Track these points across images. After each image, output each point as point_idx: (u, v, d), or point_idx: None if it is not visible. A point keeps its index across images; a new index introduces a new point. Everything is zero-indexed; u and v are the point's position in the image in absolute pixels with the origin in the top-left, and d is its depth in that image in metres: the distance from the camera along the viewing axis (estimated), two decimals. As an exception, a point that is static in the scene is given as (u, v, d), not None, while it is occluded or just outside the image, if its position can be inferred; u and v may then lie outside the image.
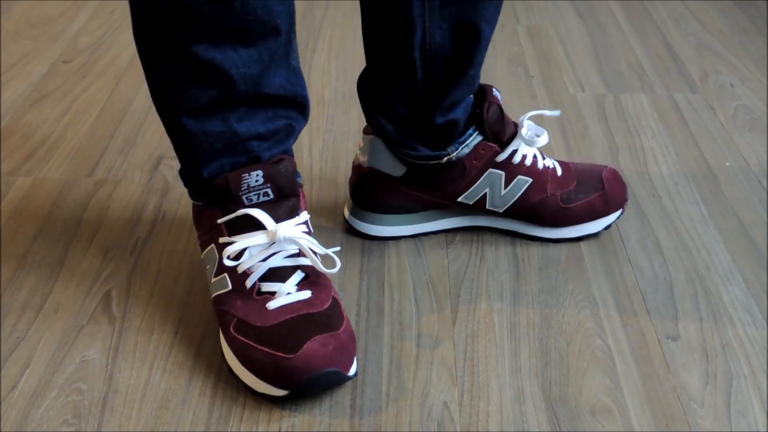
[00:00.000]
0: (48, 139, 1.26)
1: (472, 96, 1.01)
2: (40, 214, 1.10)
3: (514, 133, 1.01)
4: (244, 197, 0.86)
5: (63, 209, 1.11)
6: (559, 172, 1.04)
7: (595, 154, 1.23)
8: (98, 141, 1.26)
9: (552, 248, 1.04)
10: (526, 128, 1.01)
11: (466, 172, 1.01)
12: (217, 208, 0.89)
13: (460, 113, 0.98)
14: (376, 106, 1.00)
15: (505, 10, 1.70)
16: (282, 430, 0.81)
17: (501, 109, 1.00)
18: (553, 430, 0.81)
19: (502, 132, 1.00)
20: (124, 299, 0.96)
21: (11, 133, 1.27)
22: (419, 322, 0.93)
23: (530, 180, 1.02)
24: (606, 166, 1.08)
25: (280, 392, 0.81)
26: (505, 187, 1.01)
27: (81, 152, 1.23)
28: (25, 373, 0.87)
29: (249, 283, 0.86)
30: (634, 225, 1.09)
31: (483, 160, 1.00)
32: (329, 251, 0.87)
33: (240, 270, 0.86)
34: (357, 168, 1.05)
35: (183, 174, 0.94)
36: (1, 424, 0.81)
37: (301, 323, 0.83)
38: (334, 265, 0.87)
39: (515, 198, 1.02)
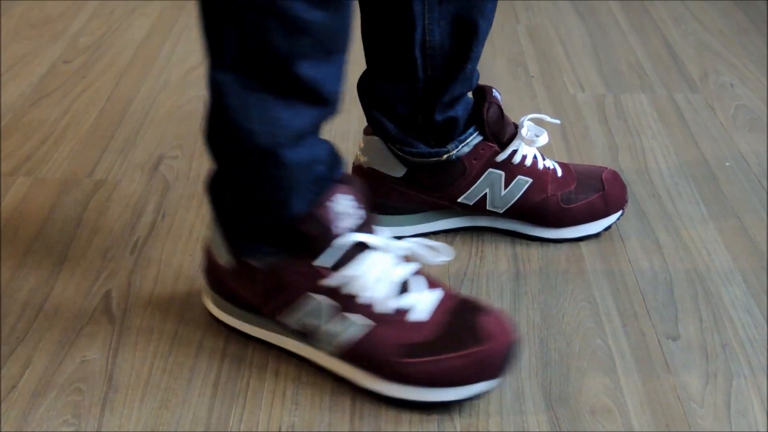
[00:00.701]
0: (48, 139, 1.26)
1: (471, 95, 1.01)
2: (40, 214, 1.10)
3: (514, 133, 1.01)
4: (340, 226, 0.80)
5: (63, 209, 1.11)
6: (560, 172, 1.04)
7: (595, 155, 1.23)
8: (98, 141, 1.26)
9: (552, 248, 1.04)
10: (526, 128, 1.01)
11: (466, 172, 1.00)
12: (301, 255, 0.80)
13: (459, 111, 0.98)
14: (377, 105, 0.99)
15: (505, 10, 1.70)
16: (282, 430, 0.81)
17: (501, 110, 1.00)
18: (553, 430, 0.81)
19: (502, 132, 1.00)
20: (124, 299, 0.96)
21: (11, 133, 1.27)
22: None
23: (530, 180, 1.01)
24: (606, 168, 1.08)
25: (488, 385, 0.81)
26: (505, 188, 1.01)
27: (81, 152, 1.23)
28: (25, 373, 0.87)
29: (390, 307, 0.81)
30: (634, 225, 1.09)
31: (483, 160, 1.00)
32: (437, 243, 0.83)
33: (381, 298, 0.81)
34: (357, 168, 1.05)
35: (248, 227, 0.83)
36: (1, 424, 0.81)
37: (459, 316, 0.82)
38: (447, 254, 0.82)
39: (515, 198, 1.02)
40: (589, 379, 0.87)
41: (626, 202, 1.06)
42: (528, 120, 1.02)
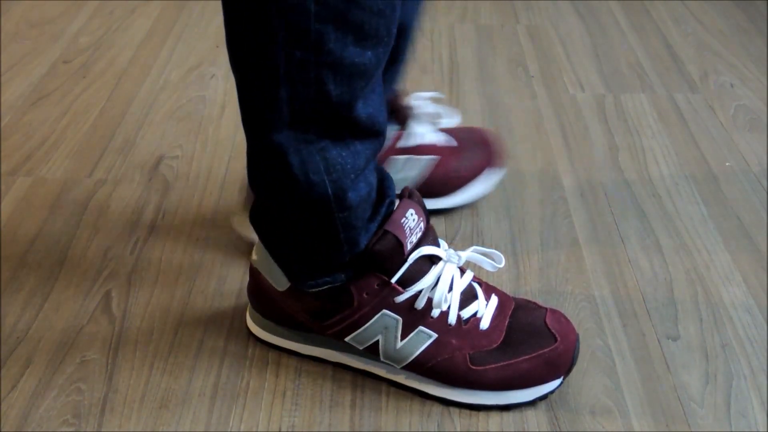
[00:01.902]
0: (48, 139, 1.26)
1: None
2: (40, 214, 1.10)
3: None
4: (409, 241, 0.79)
5: (63, 209, 1.11)
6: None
7: (595, 154, 1.23)
8: (98, 141, 1.26)
9: (552, 248, 1.04)
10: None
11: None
12: (373, 274, 0.79)
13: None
14: None
15: (505, 10, 1.70)
16: (282, 430, 0.81)
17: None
18: (553, 430, 0.81)
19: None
20: (124, 299, 0.96)
21: (11, 133, 1.27)
22: (419, 322, 0.93)
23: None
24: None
25: (558, 382, 0.83)
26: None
27: (81, 152, 1.23)
28: (25, 373, 0.87)
29: (453, 318, 0.81)
30: (634, 225, 1.09)
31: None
32: (490, 250, 0.84)
33: (450, 309, 0.81)
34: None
35: (311, 264, 0.81)
36: (1, 424, 0.81)
37: (521, 319, 0.84)
38: (500, 261, 0.83)
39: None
40: (589, 379, 0.87)
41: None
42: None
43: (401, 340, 0.81)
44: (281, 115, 0.71)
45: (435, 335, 0.81)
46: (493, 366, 0.81)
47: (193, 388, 0.85)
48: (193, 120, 1.31)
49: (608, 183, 1.17)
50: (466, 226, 1.08)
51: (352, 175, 0.75)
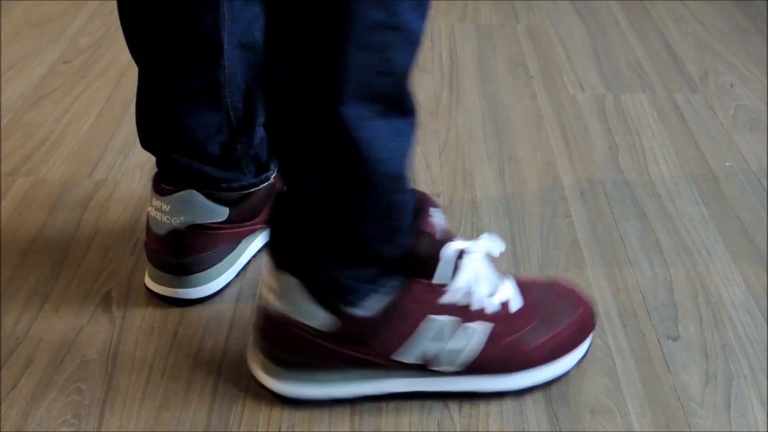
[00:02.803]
0: (48, 139, 1.26)
1: None
2: (40, 214, 1.10)
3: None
4: (442, 239, 0.78)
5: (63, 209, 1.11)
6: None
7: (595, 155, 1.23)
8: (98, 141, 1.26)
9: (552, 249, 1.04)
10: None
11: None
12: (414, 279, 0.78)
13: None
14: (178, 147, 0.90)
15: (505, 10, 1.70)
16: (282, 430, 0.81)
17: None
18: (553, 430, 0.81)
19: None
20: (124, 299, 0.96)
21: (11, 133, 1.27)
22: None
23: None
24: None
25: (588, 342, 0.87)
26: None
27: (81, 152, 1.23)
28: (25, 373, 0.87)
29: (496, 305, 0.81)
30: (634, 225, 1.09)
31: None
32: (490, 235, 0.83)
33: (488, 298, 0.81)
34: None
35: (356, 272, 0.77)
36: (1, 424, 0.81)
37: (536, 294, 0.86)
38: (502, 244, 0.83)
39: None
40: (589, 379, 0.87)
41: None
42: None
43: (449, 341, 0.80)
44: (351, 86, 0.67)
45: (481, 328, 0.80)
46: (540, 343, 0.83)
47: (193, 388, 0.85)
48: (193, 120, 1.31)
49: (608, 183, 1.17)
50: (466, 225, 1.08)
51: (406, 157, 0.73)
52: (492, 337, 0.81)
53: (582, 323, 0.86)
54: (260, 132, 0.94)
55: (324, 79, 0.68)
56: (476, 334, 0.80)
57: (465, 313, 0.80)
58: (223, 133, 0.90)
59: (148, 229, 0.93)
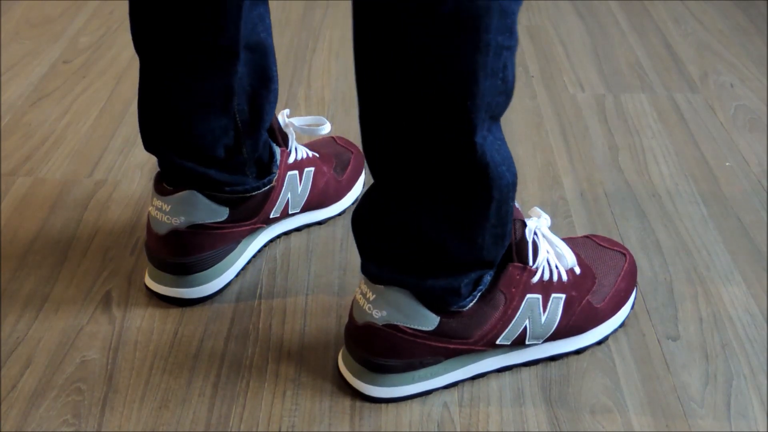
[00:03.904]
0: (48, 139, 1.26)
1: None
2: (40, 214, 1.10)
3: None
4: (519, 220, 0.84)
5: (63, 209, 1.11)
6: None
7: (595, 155, 1.23)
8: (98, 141, 1.26)
9: (552, 248, 1.04)
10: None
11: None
12: (512, 264, 0.82)
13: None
14: (189, 154, 0.89)
15: (505, 10, 1.70)
16: (282, 430, 0.81)
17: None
18: (553, 430, 0.81)
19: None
20: (124, 299, 0.96)
21: (11, 133, 1.27)
22: (419, 322, 0.93)
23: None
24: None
25: (634, 289, 0.93)
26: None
27: (81, 152, 1.23)
28: (25, 373, 0.87)
29: (564, 274, 0.85)
30: (634, 225, 1.09)
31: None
32: (538, 209, 0.87)
33: (559, 268, 0.85)
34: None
35: (467, 271, 0.80)
36: (1, 424, 0.81)
37: (584, 253, 0.91)
38: (548, 220, 0.87)
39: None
40: (589, 379, 0.87)
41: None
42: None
43: (543, 314, 0.84)
44: (480, 114, 0.70)
45: (563, 295, 0.85)
46: (606, 299, 0.89)
47: (193, 388, 0.85)
48: (193, 120, 1.31)
49: (608, 183, 1.17)
50: (466, 226, 1.08)
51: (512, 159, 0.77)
52: (568, 304, 0.85)
53: (632, 270, 0.92)
54: (264, 135, 0.94)
55: (458, 108, 0.69)
56: (559, 304, 0.85)
57: (549, 286, 0.84)
58: (229, 137, 0.90)
59: (149, 228, 0.93)
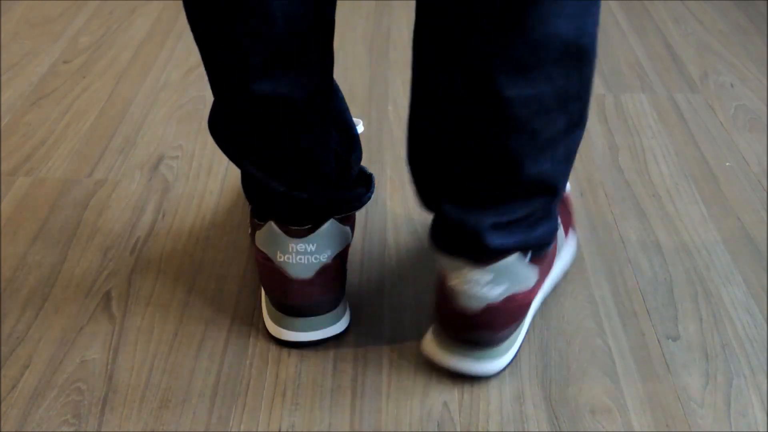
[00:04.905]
0: (48, 139, 1.26)
1: None
2: (40, 214, 1.10)
3: None
4: None
5: (63, 209, 1.11)
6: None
7: (595, 155, 1.23)
8: (98, 141, 1.26)
9: (552, 248, 1.04)
10: None
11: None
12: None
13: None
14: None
15: (505, 10, 1.69)
16: (282, 430, 0.81)
17: None
18: (553, 430, 0.81)
19: None
20: (124, 299, 0.96)
21: (11, 133, 1.27)
22: (419, 322, 0.93)
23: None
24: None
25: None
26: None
27: (81, 152, 1.23)
28: (25, 373, 0.87)
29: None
30: (634, 225, 1.09)
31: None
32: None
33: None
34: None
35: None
36: (1, 424, 0.81)
37: None
38: None
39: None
40: (589, 379, 0.87)
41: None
42: None
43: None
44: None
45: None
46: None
47: (193, 388, 0.85)
48: (193, 120, 1.31)
49: (608, 183, 1.17)
50: (466, 226, 1.08)
51: None
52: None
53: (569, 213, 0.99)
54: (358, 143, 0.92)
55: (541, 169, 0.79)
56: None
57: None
58: (336, 151, 0.85)
59: (287, 279, 0.84)
